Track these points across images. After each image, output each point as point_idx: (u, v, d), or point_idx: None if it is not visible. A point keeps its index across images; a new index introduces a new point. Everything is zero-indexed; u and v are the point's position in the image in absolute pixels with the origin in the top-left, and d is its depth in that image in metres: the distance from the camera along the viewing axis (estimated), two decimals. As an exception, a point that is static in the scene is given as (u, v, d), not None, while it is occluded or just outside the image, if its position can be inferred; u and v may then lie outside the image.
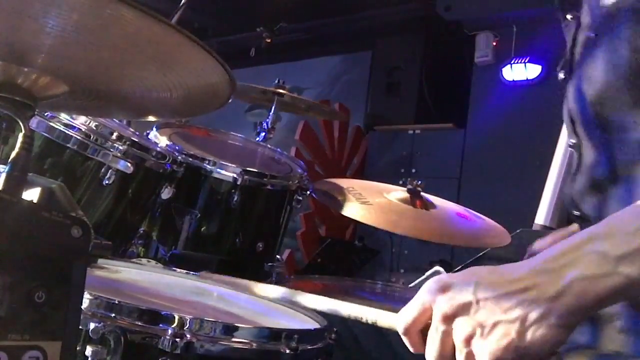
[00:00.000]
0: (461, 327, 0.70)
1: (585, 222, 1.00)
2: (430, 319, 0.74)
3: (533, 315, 0.68)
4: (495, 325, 0.69)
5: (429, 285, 0.75)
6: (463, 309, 0.71)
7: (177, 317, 0.90)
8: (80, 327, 0.75)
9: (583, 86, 0.94)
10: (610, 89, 0.87)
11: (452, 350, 0.72)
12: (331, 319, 1.10)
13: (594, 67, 0.91)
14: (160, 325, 0.90)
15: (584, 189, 0.97)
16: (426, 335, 0.76)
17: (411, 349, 0.78)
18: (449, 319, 0.71)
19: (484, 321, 0.69)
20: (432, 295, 0.73)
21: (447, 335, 0.72)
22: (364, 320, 0.87)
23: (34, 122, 1.42)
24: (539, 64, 4.21)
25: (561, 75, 1.02)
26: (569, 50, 1.02)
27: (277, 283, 1.66)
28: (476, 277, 0.72)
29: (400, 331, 0.78)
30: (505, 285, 0.70)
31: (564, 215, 2.24)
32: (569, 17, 1.02)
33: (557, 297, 0.68)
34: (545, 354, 0.69)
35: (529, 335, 0.68)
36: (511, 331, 0.68)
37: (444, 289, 0.73)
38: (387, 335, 1.12)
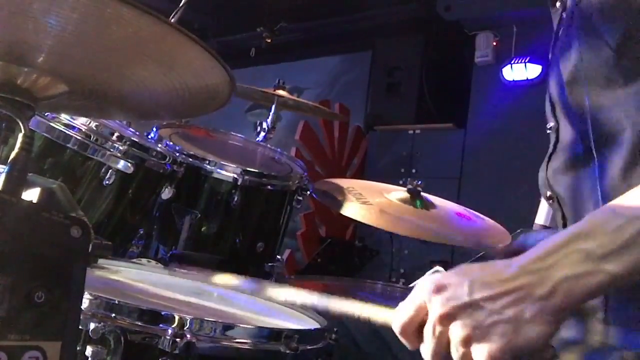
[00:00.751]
0: (458, 329, 0.71)
1: (555, 202, 1.02)
2: (426, 317, 0.75)
3: (527, 313, 0.70)
4: (491, 325, 0.70)
5: (424, 284, 0.76)
6: (459, 310, 0.72)
7: (177, 317, 0.90)
8: (80, 327, 0.75)
9: (561, 68, 0.96)
10: (584, 70, 0.90)
11: (448, 349, 0.73)
12: (330, 322, 1.10)
13: (570, 49, 0.93)
14: (161, 325, 0.90)
15: (559, 169, 0.99)
16: (422, 332, 0.76)
17: (408, 347, 0.78)
18: (445, 320, 0.72)
19: (480, 322, 0.71)
20: (428, 295, 0.74)
21: (443, 335, 0.73)
22: (358, 316, 0.87)
23: (34, 123, 1.42)
24: (539, 64, 4.21)
25: (549, 62, 1.06)
26: (554, 36, 1.04)
27: (277, 283, 1.66)
28: (469, 276, 0.74)
29: (396, 330, 0.78)
30: (498, 284, 0.72)
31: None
32: (557, 4, 1.04)
33: (548, 296, 0.70)
34: (539, 348, 0.71)
35: (525, 332, 0.70)
36: (508, 331, 0.70)
37: (439, 289, 0.74)
38: (386, 338, 1.12)
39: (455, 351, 0.72)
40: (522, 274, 0.72)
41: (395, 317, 0.78)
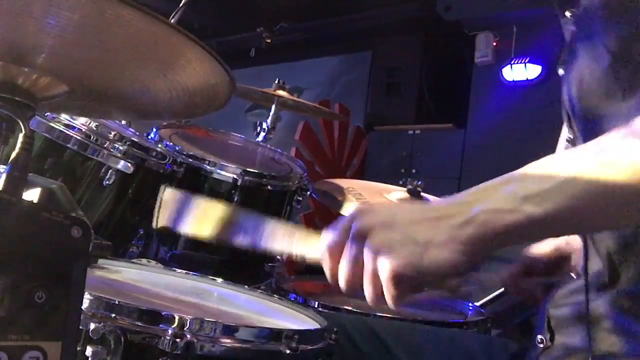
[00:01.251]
0: (372, 243, 0.74)
1: None
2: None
3: (438, 239, 0.73)
4: (402, 244, 0.73)
5: (351, 209, 0.78)
6: (374, 227, 0.74)
7: (177, 318, 0.90)
8: (80, 327, 0.75)
9: (571, 80, 0.96)
10: (591, 82, 0.90)
11: (361, 269, 0.75)
12: (329, 322, 1.10)
13: (577, 61, 0.93)
14: (161, 325, 0.90)
15: None
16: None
17: (328, 277, 0.80)
18: (362, 236, 0.75)
19: (391, 239, 0.73)
20: (354, 215, 0.77)
21: (359, 253, 0.75)
22: (288, 252, 0.88)
23: (34, 123, 1.43)
24: (539, 64, 4.21)
25: (561, 72, 1.05)
26: (567, 47, 1.03)
27: (277, 283, 1.66)
28: (397, 205, 0.77)
29: (322, 254, 0.80)
30: (420, 212, 0.76)
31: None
32: (567, 14, 1.04)
33: (463, 225, 0.73)
34: (441, 276, 0.74)
35: (431, 255, 0.72)
36: (415, 250, 0.72)
37: (364, 211, 0.77)
38: (386, 341, 1.13)
39: (366, 267, 0.74)
40: (446, 205, 0.75)
41: (324, 245, 0.80)
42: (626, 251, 0.82)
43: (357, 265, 0.75)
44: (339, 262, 0.79)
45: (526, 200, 0.72)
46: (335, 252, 0.79)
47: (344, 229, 0.78)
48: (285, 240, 0.89)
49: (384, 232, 0.74)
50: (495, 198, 0.73)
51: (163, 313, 0.91)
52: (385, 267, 0.73)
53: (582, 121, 0.94)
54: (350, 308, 1.45)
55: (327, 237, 0.80)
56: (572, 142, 1.01)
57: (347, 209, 1.61)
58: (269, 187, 1.89)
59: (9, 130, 0.73)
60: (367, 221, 0.75)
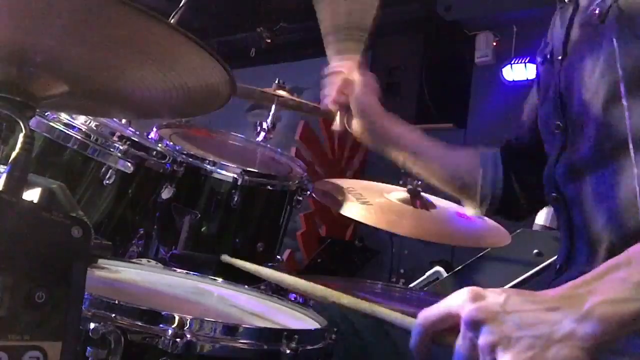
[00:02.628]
0: (487, 335, 0.71)
1: (562, 203, 1.01)
2: (454, 322, 0.75)
3: (558, 334, 0.69)
4: (520, 338, 0.70)
5: (461, 292, 0.75)
6: (491, 317, 0.71)
7: (177, 318, 0.90)
8: (80, 327, 0.75)
9: (577, 72, 0.96)
10: (602, 79, 0.90)
11: (475, 356, 0.73)
12: (332, 313, 1.10)
13: (590, 56, 0.92)
14: (161, 325, 0.90)
15: (569, 170, 0.98)
16: (442, 338, 0.76)
17: (416, 348, 0.78)
18: (476, 325, 0.72)
19: (510, 332, 0.70)
20: (462, 301, 0.74)
21: (472, 341, 0.73)
22: (372, 314, 0.87)
23: (34, 122, 1.42)
24: (539, 64, 4.20)
25: (558, 57, 1.04)
26: (564, 31, 1.03)
27: (277, 283, 1.65)
28: (507, 292, 0.74)
29: (418, 329, 0.77)
30: (534, 303, 0.73)
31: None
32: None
33: (581, 319, 0.69)
34: None
35: (552, 352, 0.69)
36: (535, 345, 0.69)
37: (475, 298, 0.74)
38: (389, 331, 1.12)
39: (482, 358, 0.72)
40: (559, 297, 0.73)
41: (421, 317, 0.78)
42: (629, 245, 0.82)
43: (471, 353, 0.73)
44: (430, 342, 0.77)
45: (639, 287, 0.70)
46: (432, 330, 0.77)
47: (449, 310, 0.75)
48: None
49: (499, 323, 0.71)
50: (608, 287, 0.71)
51: (163, 313, 0.91)
52: None
53: (590, 110, 0.93)
54: (350, 308, 1.45)
55: (430, 312, 0.77)
56: (564, 130, 1.00)
57: (348, 209, 1.61)
58: (269, 187, 1.89)
59: (9, 130, 0.73)
60: (480, 310, 0.72)
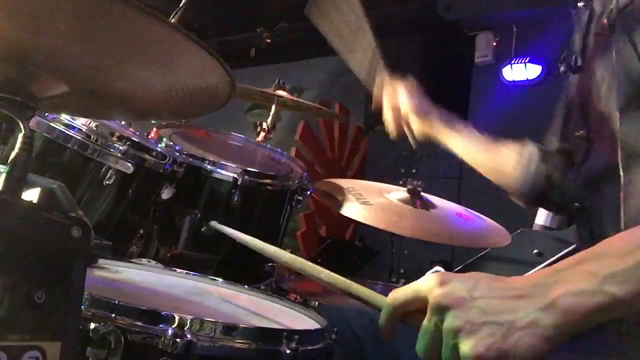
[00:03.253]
0: (451, 320, 0.72)
1: (584, 215, 1.00)
2: (421, 305, 0.76)
3: (521, 322, 0.70)
4: (483, 324, 0.71)
5: (429, 277, 0.76)
6: (456, 303, 0.73)
7: (177, 318, 0.90)
8: (80, 327, 0.75)
9: (593, 82, 0.95)
10: (620, 88, 0.89)
11: (439, 340, 0.74)
12: (333, 318, 1.10)
13: (602, 67, 0.91)
14: (161, 325, 0.90)
15: (593, 181, 0.97)
16: (403, 321, 0.78)
17: (382, 327, 0.79)
18: (442, 310, 0.73)
19: (473, 318, 0.71)
20: (431, 286, 0.75)
21: (437, 326, 0.74)
22: (347, 291, 0.87)
23: (34, 123, 1.42)
24: (539, 64, 4.21)
25: (578, 64, 1.03)
26: (581, 39, 1.02)
27: (277, 283, 1.66)
28: (475, 278, 0.75)
29: (387, 308, 0.79)
30: (500, 290, 0.73)
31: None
32: (580, 4, 1.03)
33: (545, 309, 0.70)
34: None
35: (513, 340, 0.70)
36: (497, 333, 0.70)
37: (442, 282, 0.75)
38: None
39: (445, 344, 0.73)
40: (525, 285, 0.73)
41: (391, 297, 0.79)
42: None
43: (435, 340, 0.74)
44: (397, 323, 0.78)
45: (607, 280, 0.70)
46: (401, 311, 0.78)
47: (418, 294, 0.77)
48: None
49: (464, 309, 0.72)
50: (575, 279, 0.71)
51: (163, 313, 0.91)
52: (467, 347, 0.71)
53: (605, 122, 0.92)
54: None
55: (399, 293, 0.79)
56: (583, 140, 0.99)
57: (348, 209, 1.61)
58: (269, 187, 1.89)
59: (9, 130, 0.73)
60: (446, 295, 0.73)
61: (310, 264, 0.95)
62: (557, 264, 0.75)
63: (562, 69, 1.13)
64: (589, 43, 1.01)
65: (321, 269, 0.93)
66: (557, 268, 0.74)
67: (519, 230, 2.32)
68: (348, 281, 0.88)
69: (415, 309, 0.77)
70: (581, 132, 1.01)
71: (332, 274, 0.91)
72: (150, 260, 1.60)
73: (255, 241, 1.11)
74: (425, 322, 0.75)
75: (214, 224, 1.29)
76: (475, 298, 0.72)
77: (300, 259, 0.97)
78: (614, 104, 0.91)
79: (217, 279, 1.37)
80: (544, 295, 0.71)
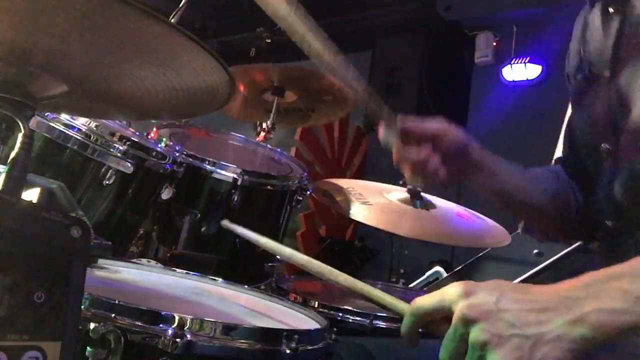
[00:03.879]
0: (478, 333, 0.71)
1: (623, 232, 0.97)
2: (445, 314, 0.75)
3: (548, 335, 0.69)
4: (510, 337, 0.70)
5: (455, 286, 0.75)
6: (483, 316, 0.72)
7: (177, 318, 0.90)
8: (80, 327, 0.75)
9: (631, 90, 0.91)
10: None
11: (464, 351, 0.73)
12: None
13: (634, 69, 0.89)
14: (161, 325, 0.90)
15: (627, 196, 0.94)
16: (426, 330, 0.78)
17: (405, 333, 0.79)
18: (468, 322, 0.72)
19: (500, 331, 0.70)
20: (456, 296, 0.74)
21: (462, 337, 0.73)
22: (367, 296, 0.87)
23: (34, 123, 1.42)
24: (539, 64, 4.21)
25: (606, 74, 0.99)
26: (611, 46, 0.98)
27: (277, 283, 1.66)
28: (501, 289, 0.74)
29: (410, 317, 0.78)
30: (527, 302, 0.72)
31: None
32: (610, 9, 0.99)
33: (574, 323, 0.69)
34: None
35: (541, 353, 0.69)
36: (524, 346, 0.69)
37: (468, 293, 0.74)
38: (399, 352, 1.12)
39: (471, 354, 0.72)
40: (554, 297, 0.72)
41: (415, 306, 0.78)
42: None
43: (459, 351, 0.73)
44: (418, 331, 0.78)
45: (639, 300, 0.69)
46: (425, 320, 0.77)
47: (442, 303, 0.76)
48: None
49: (491, 321, 0.71)
50: (607, 296, 0.70)
51: (163, 313, 0.91)
52: None
53: (634, 134, 0.90)
54: (350, 308, 1.45)
55: (424, 301, 0.78)
56: (612, 154, 0.96)
57: (347, 209, 1.61)
58: (269, 187, 1.89)
59: (9, 130, 0.73)
60: (473, 308, 0.72)
61: (327, 267, 0.93)
62: (585, 277, 0.73)
63: (578, 77, 1.08)
64: (621, 50, 0.96)
65: (339, 272, 0.91)
66: (587, 282, 0.73)
67: (519, 230, 2.32)
68: (368, 286, 0.88)
69: (439, 317, 0.76)
70: (608, 146, 0.97)
71: (351, 278, 0.90)
72: (150, 260, 1.60)
73: (269, 242, 1.09)
74: (450, 332, 0.74)
75: (226, 223, 1.27)
76: (502, 310, 0.71)
77: (317, 262, 0.95)
78: None
79: (217, 279, 1.37)
80: (574, 309, 0.70)
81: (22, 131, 0.70)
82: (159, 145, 1.69)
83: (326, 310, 1.43)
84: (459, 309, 0.73)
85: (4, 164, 0.69)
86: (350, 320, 1.42)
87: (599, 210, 1.03)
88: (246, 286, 1.35)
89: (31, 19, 0.65)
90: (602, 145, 0.99)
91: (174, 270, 1.38)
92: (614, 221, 1.00)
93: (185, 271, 1.37)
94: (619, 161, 0.96)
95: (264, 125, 2.35)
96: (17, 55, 0.71)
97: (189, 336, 0.89)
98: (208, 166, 1.82)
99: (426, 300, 0.78)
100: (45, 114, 1.45)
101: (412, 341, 0.79)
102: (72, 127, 1.49)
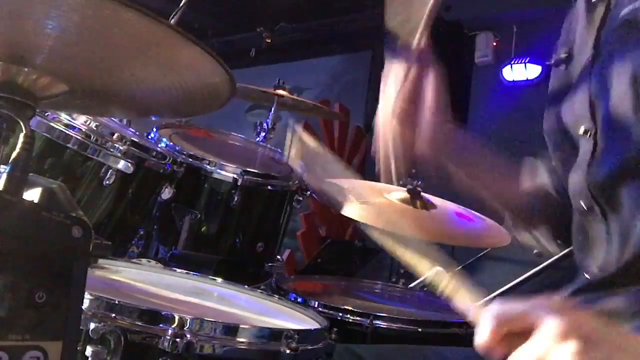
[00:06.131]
0: (571, 354, 0.66)
1: (598, 214, 0.97)
2: (521, 328, 0.70)
3: None
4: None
5: (554, 322, 0.69)
6: (582, 340, 0.67)
7: (177, 317, 0.91)
8: (80, 327, 0.75)
9: (608, 77, 0.92)
10: (629, 87, 0.87)
11: None
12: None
13: (620, 62, 0.90)
14: (161, 325, 0.90)
15: (606, 178, 0.94)
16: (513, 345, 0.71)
17: (484, 343, 0.71)
18: (560, 338, 0.67)
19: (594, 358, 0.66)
20: (554, 338, 0.68)
21: (547, 351, 0.68)
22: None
23: (34, 123, 1.42)
24: (539, 64, 4.20)
25: (588, 59, 0.99)
26: (596, 31, 0.99)
27: (277, 283, 1.66)
28: (602, 322, 0.71)
29: (491, 320, 0.71)
30: (632, 340, 0.70)
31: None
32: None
33: None
34: None
35: None
36: None
37: (568, 311, 0.70)
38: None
39: None
40: None
41: (497, 309, 0.72)
42: None
43: None
44: (499, 340, 0.71)
45: None
46: (505, 329, 0.71)
47: (526, 313, 0.70)
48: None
49: (589, 348, 0.66)
50: None
51: (163, 313, 0.91)
52: None
53: (617, 120, 0.90)
54: (350, 308, 1.45)
55: (503, 310, 0.72)
56: (592, 135, 0.96)
57: (348, 209, 1.61)
58: (269, 187, 1.89)
59: (10, 130, 0.73)
60: (572, 326, 0.67)
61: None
62: None
63: (552, 61, 1.11)
64: (603, 37, 0.98)
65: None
66: None
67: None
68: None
69: (518, 329, 0.70)
70: (588, 126, 0.97)
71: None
72: (150, 260, 1.60)
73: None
74: (531, 344, 0.68)
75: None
76: (603, 341, 0.67)
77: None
78: (629, 103, 0.89)
79: (217, 279, 1.37)
80: None
81: (23, 131, 0.70)
82: (159, 145, 1.69)
83: (326, 310, 1.43)
84: (557, 323, 0.67)
85: (5, 164, 0.69)
86: (350, 320, 1.42)
87: (574, 193, 1.04)
88: (246, 286, 1.35)
89: (31, 19, 0.65)
90: (581, 127, 0.99)
91: (174, 270, 1.38)
92: (593, 204, 0.99)
93: (185, 271, 1.37)
94: (596, 145, 0.96)
95: (264, 125, 2.36)
96: (17, 55, 0.71)
97: (189, 336, 0.89)
98: (208, 166, 1.82)
99: (510, 307, 0.71)
100: (46, 114, 1.45)
101: (493, 351, 0.71)
102: (72, 127, 1.49)
